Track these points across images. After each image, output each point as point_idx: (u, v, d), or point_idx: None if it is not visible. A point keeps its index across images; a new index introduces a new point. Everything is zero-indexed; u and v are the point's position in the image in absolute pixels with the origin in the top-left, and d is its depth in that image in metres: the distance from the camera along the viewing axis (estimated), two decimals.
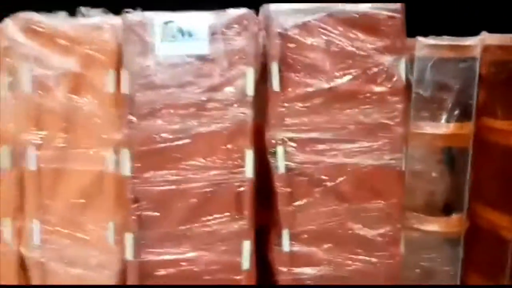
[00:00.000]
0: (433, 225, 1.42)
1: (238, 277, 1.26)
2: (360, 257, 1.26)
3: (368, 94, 1.23)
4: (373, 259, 1.26)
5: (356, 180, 1.25)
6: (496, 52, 1.44)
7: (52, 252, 1.35)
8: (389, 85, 1.23)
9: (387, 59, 1.22)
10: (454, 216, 1.45)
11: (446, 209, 1.48)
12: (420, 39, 1.39)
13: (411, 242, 1.36)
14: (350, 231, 1.25)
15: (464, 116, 1.42)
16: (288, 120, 1.24)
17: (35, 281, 1.39)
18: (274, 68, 1.22)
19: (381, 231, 1.25)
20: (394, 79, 1.23)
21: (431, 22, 1.50)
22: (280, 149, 1.24)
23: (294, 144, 1.24)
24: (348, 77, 1.22)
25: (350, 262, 1.26)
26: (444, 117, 1.42)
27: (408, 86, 1.30)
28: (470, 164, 1.43)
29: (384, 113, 1.24)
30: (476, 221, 1.51)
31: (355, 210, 1.25)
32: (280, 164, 1.24)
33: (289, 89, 1.24)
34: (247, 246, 1.25)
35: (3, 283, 1.38)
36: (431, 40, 1.39)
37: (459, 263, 1.46)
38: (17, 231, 1.38)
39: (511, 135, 1.44)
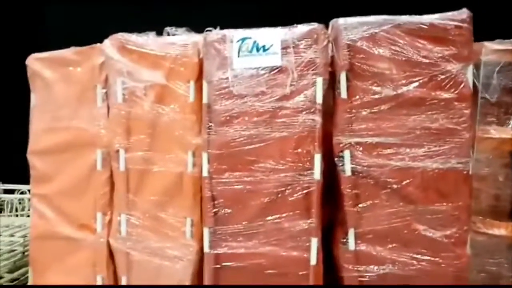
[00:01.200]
0: (500, 230, 1.41)
1: (305, 272, 1.35)
2: (426, 257, 1.28)
3: (435, 101, 1.26)
4: (439, 260, 1.28)
5: (423, 183, 1.28)
6: None
7: (136, 243, 1.53)
8: (456, 92, 1.25)
9: (454, 67, 1.25)
10: None
11: None
12: (487, 44, 1.40)
13: (477, 245, 1.36)
14: (415, 232, 1.28)
15: None
16: (355, 126, 1.31)
17: (120, 268, 1.57)
18: (343, 77, 1.30)
19: (447, 232, 1.27)
20: (461, 86, 1.25)
21: (495, 25, 1.50)
22: (347, 153, 1.32)
23: (360, 148, 1.31)
24: (415, 84, 1.26)
25: (415, 262, 1.29)
26: (511, 121, 1.42)
27: (474, 91, 1.31)
28: None
29: (451, 119, 1.26)
30: None
31: (421, 211, 1.28)
32: (347, 167, 1.31)
33: (357, 97, 1.31)
34: (314, 243, 1.34)
35: (96, 268, 1.58)
36: (497, 45, 1.39)
37: None
38: (107, 224, 1.58)
39: None
